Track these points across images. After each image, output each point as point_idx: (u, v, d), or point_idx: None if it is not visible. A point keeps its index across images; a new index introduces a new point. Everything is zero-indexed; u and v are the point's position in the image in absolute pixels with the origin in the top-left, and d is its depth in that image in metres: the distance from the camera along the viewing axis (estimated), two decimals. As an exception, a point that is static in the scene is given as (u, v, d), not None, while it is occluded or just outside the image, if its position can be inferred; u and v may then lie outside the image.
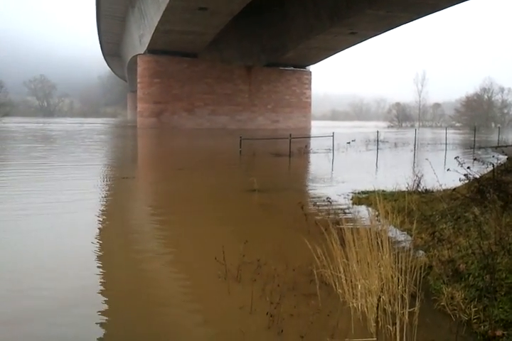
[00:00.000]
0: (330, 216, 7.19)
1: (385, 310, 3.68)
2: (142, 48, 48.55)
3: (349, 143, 24.74)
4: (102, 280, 4.82)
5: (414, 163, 18.31)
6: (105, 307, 4.18)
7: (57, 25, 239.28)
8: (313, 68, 58.38)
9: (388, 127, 76.71)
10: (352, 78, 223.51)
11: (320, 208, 8.01)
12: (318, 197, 9.66)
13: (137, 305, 4.22)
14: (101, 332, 3.75)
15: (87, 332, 3.73)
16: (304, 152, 20.39)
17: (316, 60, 53.91)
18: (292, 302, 4.00)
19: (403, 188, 9.13)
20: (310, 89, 58.42)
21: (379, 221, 5.86)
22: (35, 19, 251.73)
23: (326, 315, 3.86)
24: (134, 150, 26.18)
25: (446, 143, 26.91)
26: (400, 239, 6.15)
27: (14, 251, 5.81)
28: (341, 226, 4.91)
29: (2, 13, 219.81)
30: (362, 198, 9.07)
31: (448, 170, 6.78)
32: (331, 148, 21.69)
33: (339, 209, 7.83)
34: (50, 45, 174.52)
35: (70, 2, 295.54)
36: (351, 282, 4.09)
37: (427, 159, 9.55)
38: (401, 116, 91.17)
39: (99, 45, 79.01)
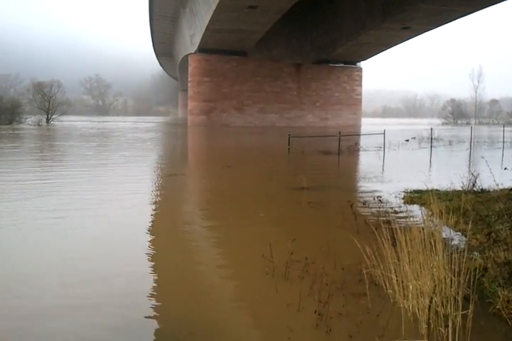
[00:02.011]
0: (380, 215, 7.07)
1: (437, 311, 3.59)
2: (193, 48, 49.37)
3: (408, 140, 24.29)
4: (152, 269, 4.97)
5: (469, 161, 17.64)
6: (156, 297, 4.30)
7: (112, 26, 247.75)
8: (364, 64, 57.48)
9: (442, 124, 74.27)
10: (404, 73, 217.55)
11: (370, 207, 7.88)
12: (369, 196, 9.50)
13: (185, 299, 4.31)
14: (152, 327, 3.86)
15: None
16: (354, 150, 20.09)
17: (367, 56, 53.00)
18: (341, 301, 3.96)
19: (458, 188, 8.83)
20: (361, 85, 57.51)
21: (432, 221, 5.70)
22: (91, 20, 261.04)
23: (375, 315, 3.80)
24: (184, 148, 26.71)
25: (503, 142, 25.76)
26: (454, 240, 5.96)
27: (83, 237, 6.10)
28: (392, 226, 4.82)
29: (60, 16, 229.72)
30: (414, 197, 8.85)
31: (505, 169, 6.51)
32: (382, 146, 21.25)
33: (390, 208, 7.66)
34: (105, 45, 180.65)
35: (125, 3, 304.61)
36: (402, 282, 4.01)
37: (483, 157, 9.19)
38: (456, 113, 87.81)
39: (152, 45, 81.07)
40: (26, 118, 55.41)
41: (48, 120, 57.26)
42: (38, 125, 51.62)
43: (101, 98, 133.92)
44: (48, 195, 9.44)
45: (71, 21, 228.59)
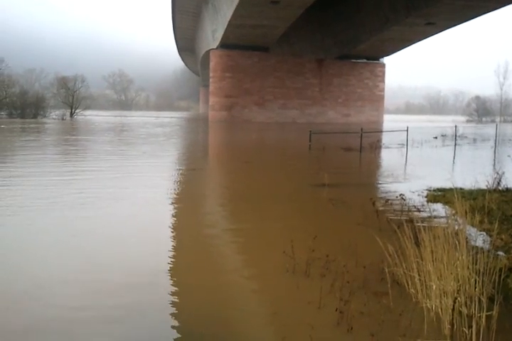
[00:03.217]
0: (403, 213, 6.99)
1: (460, 312, 3.54)
2: (215, 43, 49.44)
3: (436, 137, 24.09)
4: (171, 262, 5.02)
5: (494, 159, 17.31)
6: (175, 292, 4.34)
7: (135, 22, 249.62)
8: (387, 59, 56.76)
9: (467, 122, 72.91)
10: (428, 69, 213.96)
11: (392, 205, 7.80)
12: (391, 194, 9.42)
13: (205, 296, 4.32)
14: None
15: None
16: (376, 147, 19.88)
17: (390, 51, 52.35)
18: (362, 299, 3.94)
19: (482, 186, 8.68)
20: (383, 81, 56.84)
21: (456, 220, 5.62)
22: (115, 16, 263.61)
23: (397, 314, 3.77)
24: (205, 143, 26.83)
25: (530, 140, 25.22)
26: (478, 240, 5.86)
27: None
28: (415, 225, 4.76)
29: (84, 12, 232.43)
30: (437, 196, 8.73)
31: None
32: (405, 143, 20.98)
33: (413, 206, 7.58)
34: (128, 41, 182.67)
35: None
36: (425, 282, 3.97)
37: (509, 156, 9.01)
38: (481, 110, 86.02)
39: (174, 40, 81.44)
40: (50, 113, 56.34)
41: (71, 114, 58.11)
42: (62, 119, 52.44)
43: (124, 93, 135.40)
44: (65, 193, 9.60)
45: (95, 17, 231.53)
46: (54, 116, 54.39)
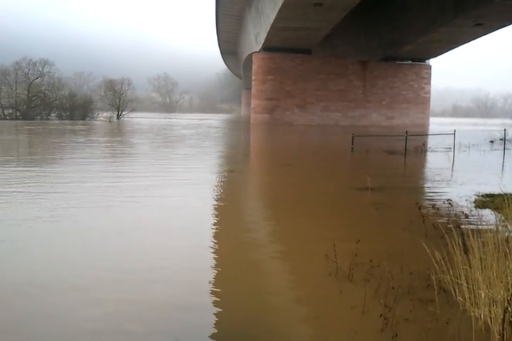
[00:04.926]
0: (450, 219, 6.81)
1: (511, 322, 3.41)
2: (258, 46, 49.68)
3: (492, 141, 23.49)
4: (213, 264, 5.08)
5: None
6: (216, 296, 4.38)
7: (180, 26, 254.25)
8: (434, 61, 55.38)
9: (517, 125, 70.11)
10: (476, 71, 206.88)
11: (439, 210, 7.60)
12: (437, 199, 9.18)
13: (247, 299, 4.34)
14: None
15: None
16: (421, 150, 19.43)
17: (436, 53, 51.09)
18: (408, 306, 3.86)
19: (535, 192, 8.33)
20: (429, 84, 55.47)
21: (506, 227, 5.43)
22: (160, 21, 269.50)
23: (444, 322, 3.68)
24: (246, 145, 26.98)
25: None
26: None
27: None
28: (463, 231, 4.63)
29: (131, 18, 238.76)
30: (486, 201, 8.44)
31: None
32: (452, 147, 20.40)
33: (460, 212, 7.36)
34: (173, 44, 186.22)
35: (192, 3, 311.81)
36: (473, 290, 3.85)
37: None
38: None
39: (217, 44, 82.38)
40: (98, 115, 58.17)
41: (118, 116, 59.80)
42: (110, 121, 53.99)
43: (168, 95, 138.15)
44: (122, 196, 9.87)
45: (140, 22, 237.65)
46: (101, 118, 56.12)
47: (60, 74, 63.70)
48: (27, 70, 59.27)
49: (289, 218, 7.73)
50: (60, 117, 58.28)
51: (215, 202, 8.93)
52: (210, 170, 14.23)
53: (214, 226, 7.01)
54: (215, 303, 4.20)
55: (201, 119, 70.00)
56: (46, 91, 58.75)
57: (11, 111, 57.54)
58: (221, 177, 12.84)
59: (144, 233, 6.49)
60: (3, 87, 58.05)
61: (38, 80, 59.39)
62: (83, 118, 57.78)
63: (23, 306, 4.04)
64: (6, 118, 54.97)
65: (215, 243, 6.06)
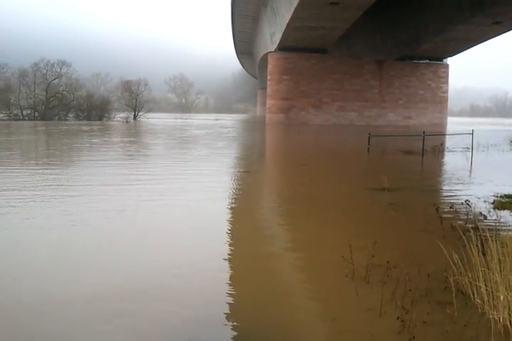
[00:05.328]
0: (468, 220, 6.72)
1: (531, 326, 3.37)
2: (273, 46, 49.66)
3: None
4: (228, 262, 5.09)
5: None
6: (231, 296, 4.39)
7: (195, 27, 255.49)
8: (451, 60, 54.72)
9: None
10: (495, 70, 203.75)
11: (457, 211, 7.51)
12: (455, 199, 9.07)
13: (262, 300, 4.32)
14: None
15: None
16: (439, 150, 19.18)
17: (454, 52, 50.45)
18: (425, 308, 3.82)
19: (555, 193, 8.19)
20: (447, 83, 54.84)
21: (526, 228, 5.35)
22: (176, 22, 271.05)
23: (462, 325, 3.64)
24: (261, 145, 26.99)
25: None
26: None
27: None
28: (481, 232, 4.57)
29: (147, 19, 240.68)
30: (505, 202, 8.32)
31: None
32: (470, 147, 20.13)
33: (479, 213, 7.26)
34: (188, 45, 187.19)
35: (207, 4, 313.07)
36: (492, 292, 3.80)
37: None
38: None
39: (232, 44, 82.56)
40: (115, 115, 58.74)
41: (135, 117, 60.30)
42: (127, 121, 54.48)
43: (184, 96, 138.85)
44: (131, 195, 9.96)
45: (156, 23, 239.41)
46: (118, 119, 56.66)
47: (78, 75, 64.47)
48: (45, 71, 60.10)
49: (303, 218, 7.71)
50: (77, 118, 59.00)
51: (231, 203, 8.97)
52: (225, 170, 14.26)
53: (230, 227, 7.04)
54: (230, 302, 4.21)
55: (216, 119, 70.27)
56: (64, 92, 59.52)
57: (29, 112, 58.46)
58: (236, 177, 12.85)
59: (166, 237, 6.54)
60: (22, 88, 59.02)
61: (55, 81, 60.17)
62: (100, 119, 58.40)
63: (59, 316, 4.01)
64: (24, 119, 55.85)
65: (231, 242, 6.08)
